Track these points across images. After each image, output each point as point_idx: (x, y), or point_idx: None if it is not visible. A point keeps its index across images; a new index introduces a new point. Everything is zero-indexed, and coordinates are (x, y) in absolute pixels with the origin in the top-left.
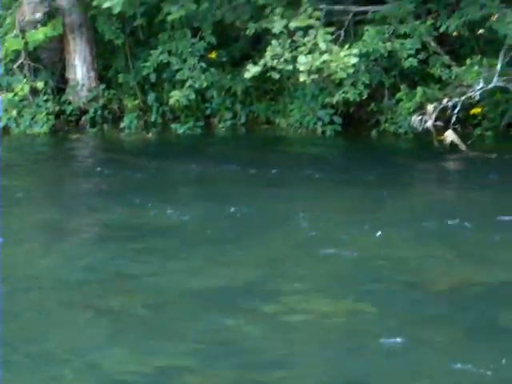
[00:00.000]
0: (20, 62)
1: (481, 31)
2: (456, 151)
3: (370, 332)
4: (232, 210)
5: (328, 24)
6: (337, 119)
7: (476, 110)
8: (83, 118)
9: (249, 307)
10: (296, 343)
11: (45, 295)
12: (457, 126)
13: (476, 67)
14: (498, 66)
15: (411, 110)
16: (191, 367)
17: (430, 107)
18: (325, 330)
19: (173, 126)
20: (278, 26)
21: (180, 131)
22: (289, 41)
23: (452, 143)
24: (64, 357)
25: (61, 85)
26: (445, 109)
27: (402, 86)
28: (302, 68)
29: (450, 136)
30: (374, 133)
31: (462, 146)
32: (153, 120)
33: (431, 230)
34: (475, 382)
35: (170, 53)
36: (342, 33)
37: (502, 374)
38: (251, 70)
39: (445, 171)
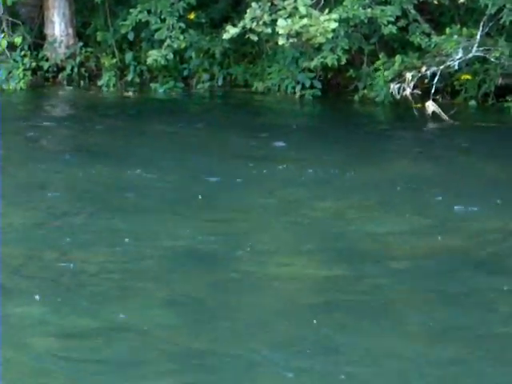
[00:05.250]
0: None
1: (461, 0)
2: (436, 120)
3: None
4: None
5: None
6: (316, 83)
7: (465, 76)
8: (60, 75)
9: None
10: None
11: None
12: (438, 96)
13: (455, 36)
14: (478, 36)
15: (389, 77)
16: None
17: (408, 75)
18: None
19: (152, 85)
20: None
21: (160, 91)
22: (269, 4)
23: (433, 113)
24: None
25: (39, 41)
26: (424, 77)
27: (381, 55)
28: (281, 31)
29: (430, 107)
30: (356, 98)
31: (444, 117)
32: (130, 79)
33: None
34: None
35: (149, 12)
36: None
37: None
38: (230, 32)
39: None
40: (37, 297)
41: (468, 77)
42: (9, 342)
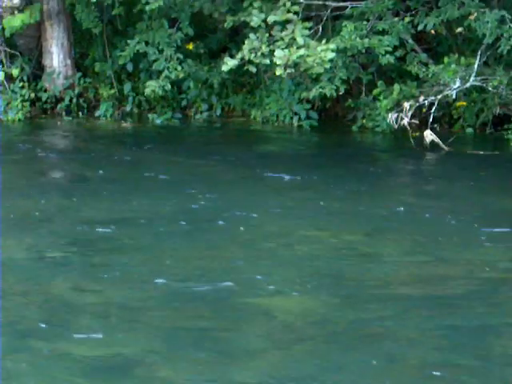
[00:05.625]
0: None
1: (459, 30)
2: (435, 150)
3: None
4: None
5: (306, 19)
6: (313, 114)
7: (461, 103)
8: (58, 106)
9: None
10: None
11: None
12: (435, 125)
13: (453, 66)
14: (475, 65)
15: (388, 107)
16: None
17: (406, 105)
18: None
19: (150, 115)
20: (256, 19)
21: (157, 122)
22: (267, 35)
23: (432, 142)
24: None
25: (37, 72)
26: (421, 107)
27: (379, 83)
28: (278, 62)
29: (428, 136)
30: (354, 128)
31: (443, 146)
32: (128, 110)
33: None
34: None
35: (147, 43)
36: (320, 28)
37: None
38: (228, 63)
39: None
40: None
41: (464, 103)
42: None
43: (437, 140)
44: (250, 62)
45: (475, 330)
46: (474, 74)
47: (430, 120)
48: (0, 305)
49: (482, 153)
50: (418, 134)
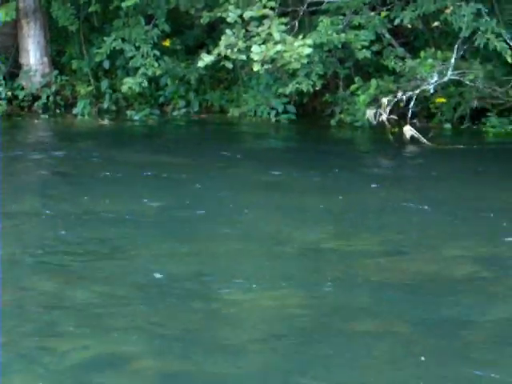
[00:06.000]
0: None
1: (435, 24)
2: (415, 145)
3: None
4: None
5: (282, 14)
6: (290, 108)
7: (440, 99)
8: (36, 104)
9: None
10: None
11: None
12: (414, 120)
13: (430, 60)
14: (452, 59)
15: (366, 102)
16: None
17: (384, 100)
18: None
19: (128, 112)
20: (232, 15)
21: (136, 118)
22: (243, 30)
23: (412, 137)
24: None
25: (14, 70)
26: (399, 102)
27: (357, 79)
28: (255, 58)
29: (408, 131)
30: (333, 122)
31: (423, 140)
32: (106, 107)
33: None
34: None
35: (123, 40)
36: (297, 23)
37: None
38: (205, 60)
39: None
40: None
41: (443, 100)
42: None
43: (417, 135)
44: (226, 57)
45: (442, 321)
46: (451, 68)
47: (409, 115)
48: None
49: (461, 146)
50: (396, 129)
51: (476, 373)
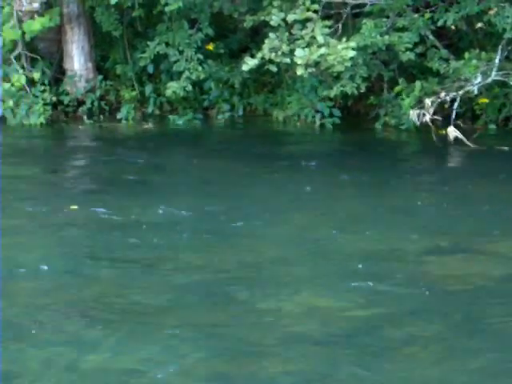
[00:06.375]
0: (17, 52)
1: (479, 25)
2: (459, 147)
3: None
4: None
5: (326, 17)
6: (336, 112)
7: (483, 100)
8: (80, 109)
9: None
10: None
11: None
12: (458, 121)
13: (474, 61)
14: (497, 60)
15: (411, 104)
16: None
17: (427, 101)
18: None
19: (170, 117)
20: (275, 18)
21: (179, 123)
22: (287, 34)
23: (456, 139)
24: None
25: (58, 75)
26: (443, 103)
27: (401, 80)
28: (299, 61)
29: (452, 132)
30: (377, 125)
31: (467, 142)
32: (150, 111)
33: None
34: None
35: (167, 44)
36: (340, 26)
37: None
38: (249, 63)
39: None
40: None
41: (485, 100)
42: None
43: (460, 136)
44: (270, 61)
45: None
46: (495, 69)
47: (453, 116)
48: (0, 305)
49: (507, 148)
50: (443, 131)
51: None
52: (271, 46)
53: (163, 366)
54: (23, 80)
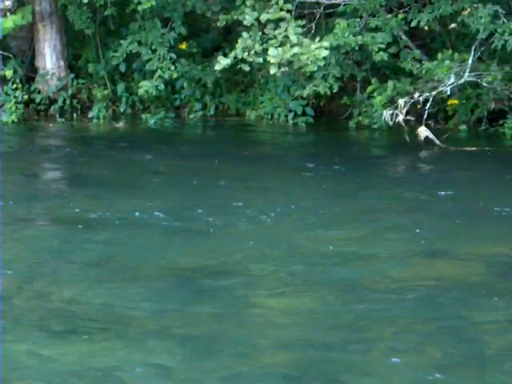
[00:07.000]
0: None
1: (452, 26)
2: (429, 146)
3: None
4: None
5: (299, 16)
6: (308, 111)
7: (453, 101)
8: (52, 108)
9: None
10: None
11: None
12: (430, 121)
13: (447, 62)
14: (469, 61)
15: (383, 103)
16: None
17: (400, 102)
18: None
19: (143, 116)
20: (249, 17)
21: (151, 122)
22: (260, 33)
23: (427, 139)
24: None
25: (30, 74)
26: (416, 103)
27: (373, 80)
28: (272, 60)
29: (422, 132)
30: (351, 124)
31: (437, 142)
32: (122, 110)
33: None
34: None
35: (140, 43)
36: (313, 25)
37: None
38: (222, 62)
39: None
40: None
41: (455, 102)
42: None
43: (431, 136)
44: (243, 60)
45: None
46: (468, 70)
47: (425, 116)
48: (0, 305)
49: (474, 149)
50: (415, 130)
51: None
52: (244, 46)
53: (140, 369)
54: None
